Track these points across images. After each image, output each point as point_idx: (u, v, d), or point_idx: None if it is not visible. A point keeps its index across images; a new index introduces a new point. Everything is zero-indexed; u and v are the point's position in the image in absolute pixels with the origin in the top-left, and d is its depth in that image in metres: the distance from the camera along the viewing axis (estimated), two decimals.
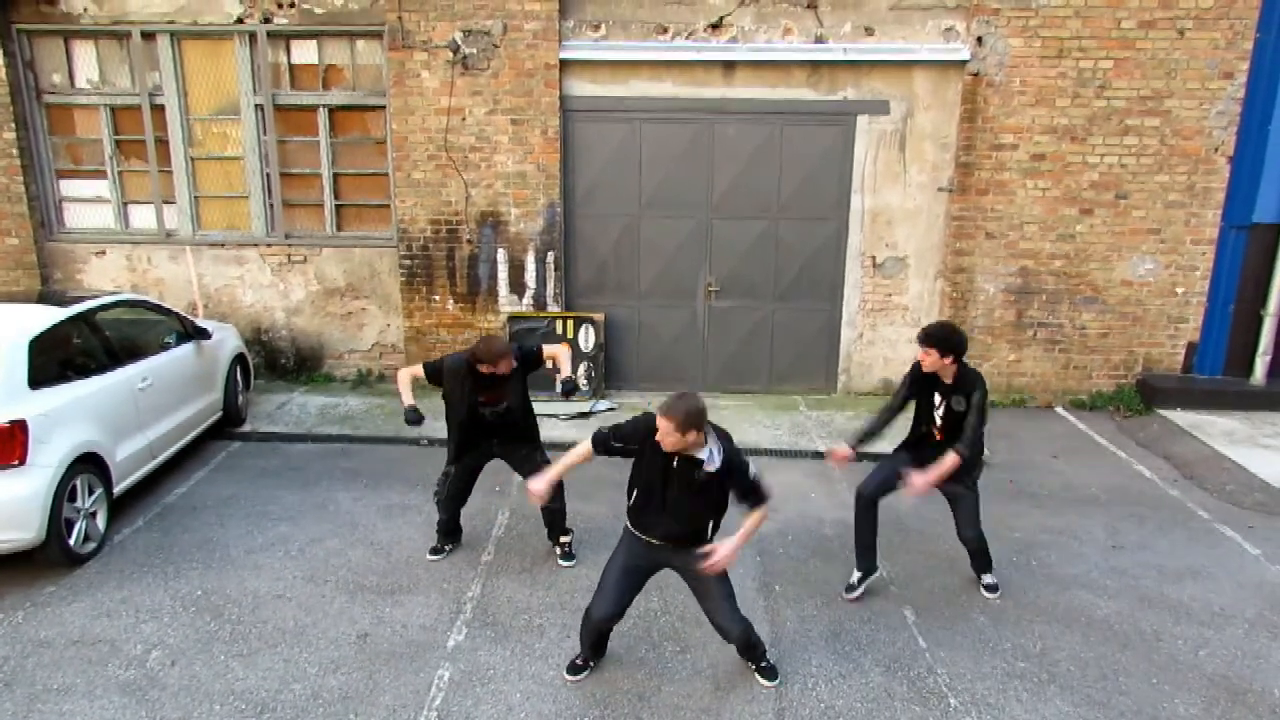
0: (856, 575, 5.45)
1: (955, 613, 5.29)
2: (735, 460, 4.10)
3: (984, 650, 4.91)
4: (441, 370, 5.49)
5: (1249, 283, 9.00)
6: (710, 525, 4.27)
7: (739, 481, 4.12)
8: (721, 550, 4.11)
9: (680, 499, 4.13)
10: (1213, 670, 4.76)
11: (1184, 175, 8.70)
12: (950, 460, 4.92)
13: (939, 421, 5.15)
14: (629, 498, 4.32)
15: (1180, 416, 8.73)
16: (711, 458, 4.03)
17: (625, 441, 4.23)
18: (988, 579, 5.51)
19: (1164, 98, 8.53)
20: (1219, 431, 8.33)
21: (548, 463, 5.39)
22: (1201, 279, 8.96)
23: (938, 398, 5.12)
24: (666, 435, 3.93)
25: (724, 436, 4.17)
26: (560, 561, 5.79)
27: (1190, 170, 8.68)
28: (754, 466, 4.17)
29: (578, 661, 4.64)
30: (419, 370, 5.61)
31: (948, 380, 5.05)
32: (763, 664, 4.60)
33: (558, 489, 5.50)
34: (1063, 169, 8.74)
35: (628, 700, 4.42)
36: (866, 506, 5.34)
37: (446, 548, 5.92)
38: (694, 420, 3.90)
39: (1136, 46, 8.42)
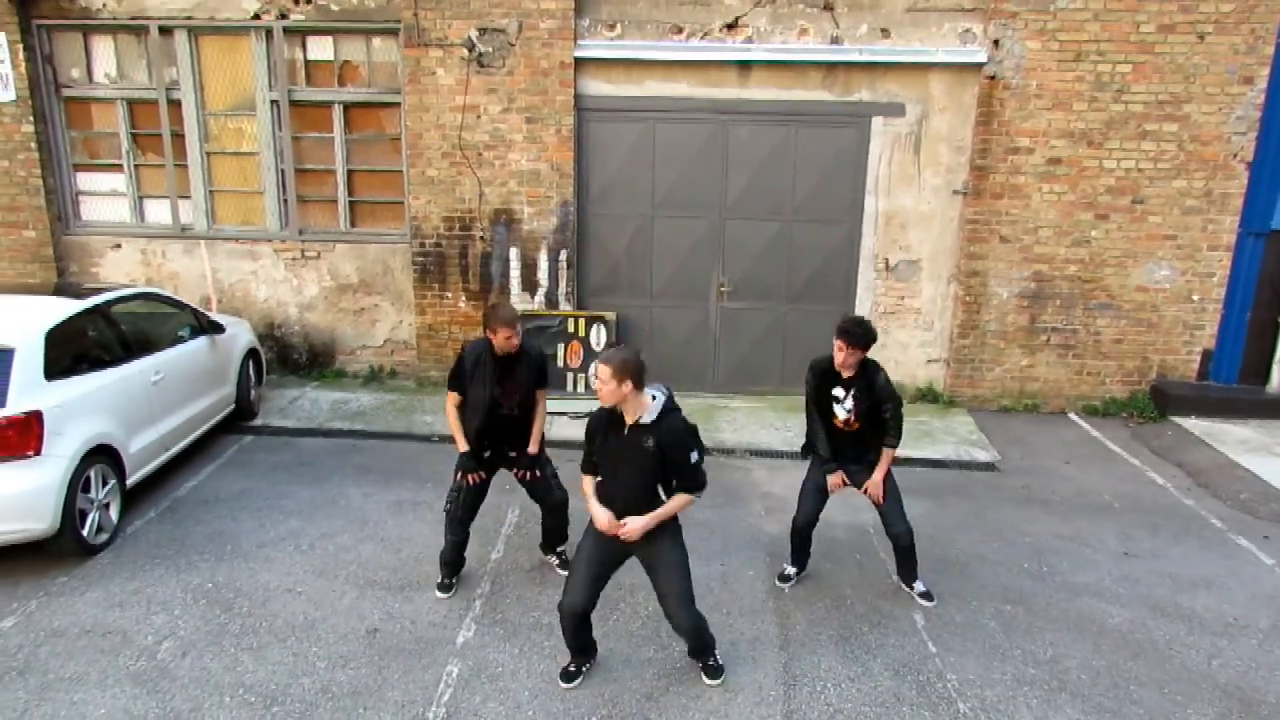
0: (793, 569, 5.67)
1: (965, 618, 5.26)
2: (678, 426, 4.14)
3: (994, 656, 4.88)
4: (463, 364, 5.15)
5: (1266, 290, 8.93)
6: (659, 494, 4.30)
7: (677, 452, 4.12)
8: (631, 524, 4.17)
9: (630, 468, 4.18)
10: (1226, 681, 4.72)
11: (1202, 181, 8.64)
12: (888, 457, 5.24)
13: (848, 414, 5.22)
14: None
15: (1194, 424, 8.66)
16: (651, 412, 4.11)
17: (591, 442, 4.34)
18: (920, 586, 5.48)
19: (1182, 102, 8.47)
20: (1234, 440, 8.27)
21: (555, 476, 5.48)
22: (1218, 286, 8.90)
23: (840, 391, 5.20)
24: (604, 385, 4.03)
25: (675, 407, 4.23)
26: (559, 570, 5.61)
27: (1208, 176, 8.62)
28: (699, 454, 4.19)
29: (570, 668, 4.59)
30: (453, 395, 5.25)
31: (847, 374, 5.15)
32: (709, 662, 4.60)
33: (559, 481, 5.51)
34: (1079, 173, 8.69)
35: (635, 700, 4.42)
36: (803, 533, 5.55)
37: (453, 580, 5.46)
38: (628, 370, 3.98)
39: (1155, 51, 8.37)
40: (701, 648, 4.54)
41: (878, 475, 5.23)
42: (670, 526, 4.32)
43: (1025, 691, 4.57)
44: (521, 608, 5.24)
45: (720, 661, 4.63)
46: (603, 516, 4.24)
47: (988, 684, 4.63)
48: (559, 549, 5.72)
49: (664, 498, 4.29)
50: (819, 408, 5.31)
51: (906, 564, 5.45)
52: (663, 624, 5.07)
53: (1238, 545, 6.38)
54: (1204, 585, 5.75)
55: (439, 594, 5.37)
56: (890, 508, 5.30)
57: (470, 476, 5.24)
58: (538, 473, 5.38)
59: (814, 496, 5.44)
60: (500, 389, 5.13)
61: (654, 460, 4.14)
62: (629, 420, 4.15)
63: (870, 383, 5.14)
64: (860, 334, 5.00)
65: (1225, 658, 4.94)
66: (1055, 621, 5.26)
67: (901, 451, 7.88)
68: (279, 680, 4.50)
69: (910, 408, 9.09)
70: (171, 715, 4.22)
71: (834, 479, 5.32)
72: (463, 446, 5.20)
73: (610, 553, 4.38)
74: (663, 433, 4.11)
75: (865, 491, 5.30)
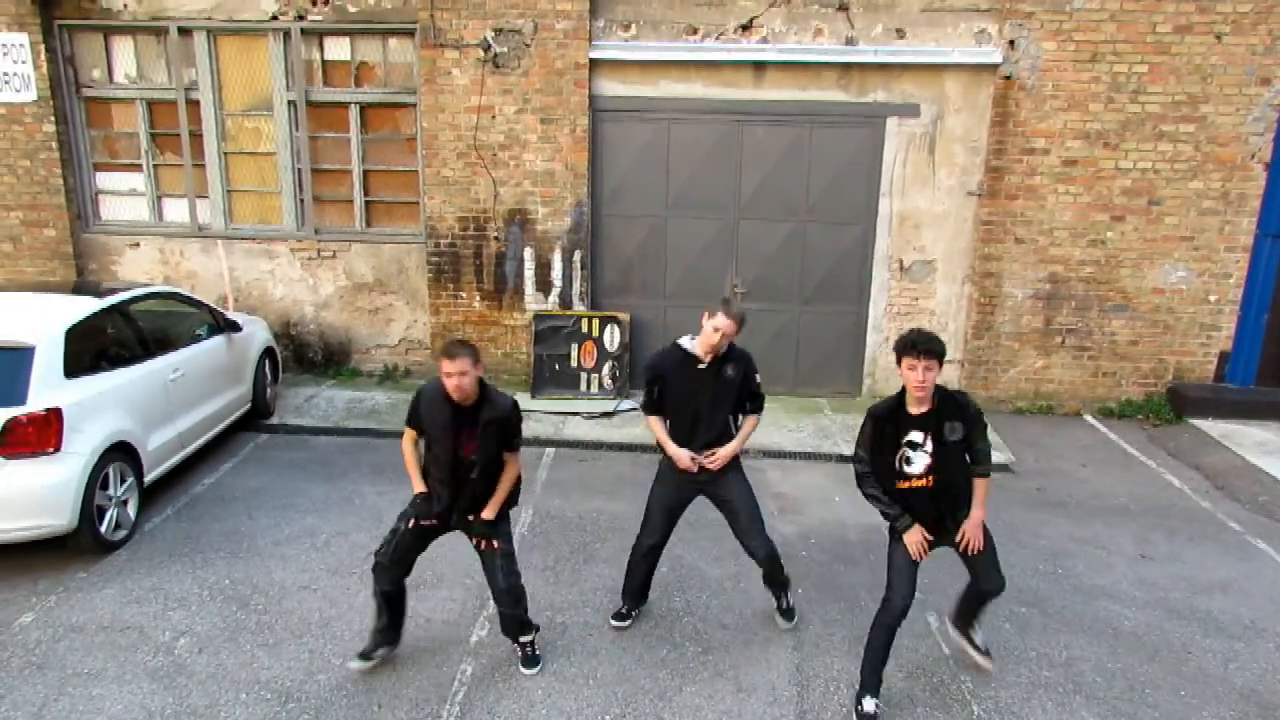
0: (870, 703, 4.36)
1: (980, 620, 5.23)
2: (745, 352, 4.71)
3: (1009, 658, 4.87)
4: (420, 402, 4.36)
5: None
6: (732, 424, 4.78)
7: (751, 372, 4.70)
8: (721, 452, 4.65)
9: (711, 401, 4.62)
10: (1242, 684, 4.70)
11: (1219, 182, 8.58)
12: (982, 489, 4.24)
13: (925, 467, 4.14)
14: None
15: (1211, 426, 8.60)
16: (731, 351, 4.62)
17: (655, 385, 4.73)
18: (980, 637, 4.70)
19: (1199, 103, 8.41)
20: (1251, 442, 8.21)
21: (509, 561, 4.54)
22: (1235, 287, 8.84)
23: (917, 434, 4.11)
24: (725, 335, 4.49)
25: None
26: (522, 668, 4.63)
27: (1225, 177, 8.56)
28: (757, 375, 4.77)
29: (622, 610, 5.08)
30: (410, 432, 4.45)
31: (923, 410, 4.08)
32: (784, 604, 5.04)
33: (512, 566, 4.55)
34: (1094, 174, 8.64)
35: (649, 700, 4.43)
36: (890, 624, 4.35)
37: (379, 651, 4.61)
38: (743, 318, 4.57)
39: (1172, 51, 8.32)
40: (779, 578, 4.94)
41: (977, 514, 4.22)
42: (736, 460, 4.78)
43: (1040, 694, 4.56)
44: (535, 607, 5.20)
45: (793, 604, 5.07)
46: (684, 456, 4.62)
47: (1002, 686, 4.62)
48: (522, 639, 4.65)
49: (734, 429, 4.77)
50: (877, 468, 4.21)
51: (978, 612, 4.60)
52: (676, 624, 5.11)
53: (1256, 548, 6.33)
54: (1221, 588, 5.72)
55: (353, 664, 4.56)
56: (989, 558, 4.32)
57: (419, 522, 4.44)
58: (493, 543, 4.46)
59: (906, 571, 4.27)
60: (463, 435, 4.27)
61: (735, 388, 4.64)
62: (709, 357, 4.54)
63: (963, 412, 4.10)
64: (935, 343, 3.99)
65: (1242, 661, 4.91)
66: (1070, 624, 5.24)
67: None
68: (294, 677, 4.53)
69: None
70: (188, 711, 4.25)
71: (913, 538, 4.19)
72: (419, 487, 4.42)
73: (682, 493, 4.84)
74: (737, 358, 4.62)
75: (962, 546, 4.28)
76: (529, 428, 8.23)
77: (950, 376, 9.40)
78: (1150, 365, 9.09)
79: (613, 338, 9.22)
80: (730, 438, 4.73)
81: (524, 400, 9.06)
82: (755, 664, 4.74)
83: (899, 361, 4.07)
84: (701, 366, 4.57)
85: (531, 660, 4.65)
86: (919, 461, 4.15)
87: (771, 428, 8.55)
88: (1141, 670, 4.80)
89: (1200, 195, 8.63)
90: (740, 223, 9.26)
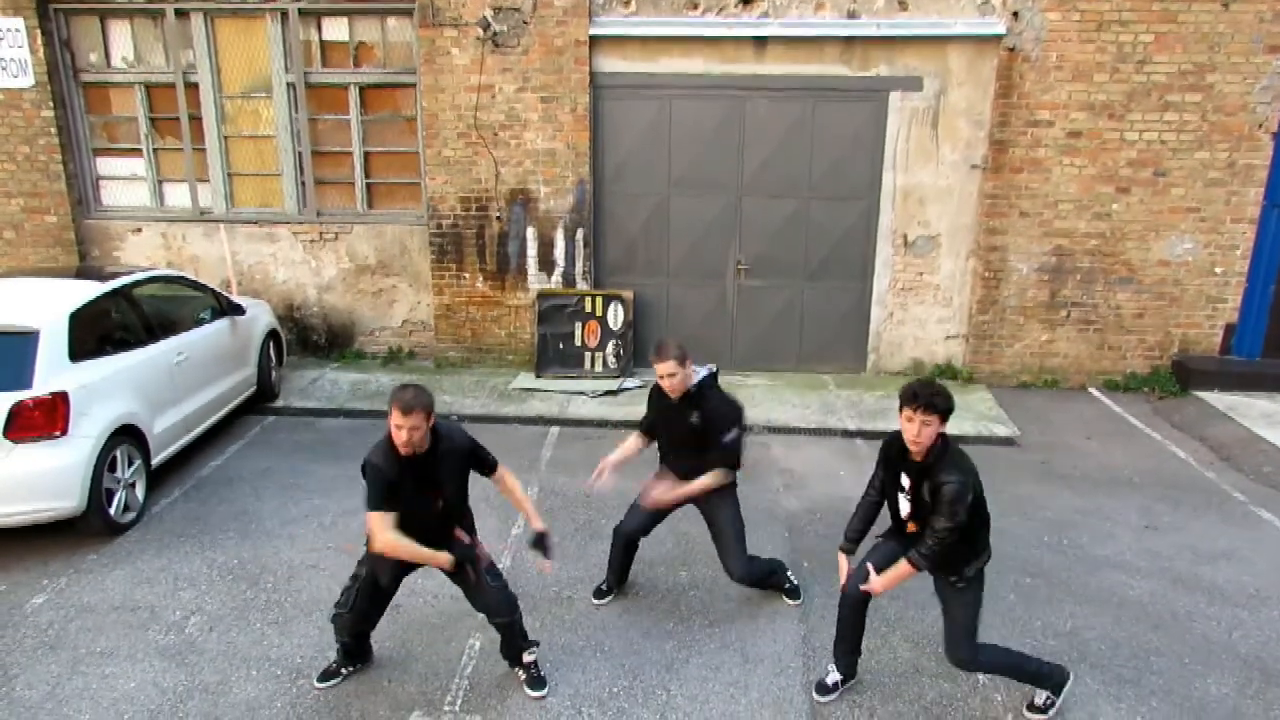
0: (833, 677, 4.36)
1: (985, 590, 5.24)
2: (719, 406, 4.62)
3: (1014, 628, 4.88)
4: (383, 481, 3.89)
5: None
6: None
7: (719, 434, 4.59)
8: (674, 491, 4.72)
9: (682, 439, 4.70)
10: (1246, 651, 4.71)
11: (1225, 152, 8.51)
12: (902, 571, 3.87)
13: (905, 514, 3.97)
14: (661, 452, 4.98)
15: (1217, 398, 8.59)
16: (695, 379, 4.62)
17: (649, 413, 4.95)
18: (1042, 696, 4.19)
19: (1206, 73, 8.34)
20: (1257, 414, 8.19)
21: (474, 566, 4.11)
22: (1241, 259, 8.79)
23: (906, 480, 3.88)
24: (674, 374, 4.52)
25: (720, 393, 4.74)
26: (529, 690, 4.29)
27: (1232, 147, 8.49)
28: (735, 432, 4.62)
29: (602, 586, 5.13)
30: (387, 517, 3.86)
31: (919, 458, 3.77)
32: (786, 585, 5.11)
33: (496, 570, 4.23)
34: (1100, 146, 8.58)
35: (656, 671, 4.46)
36: (855, 606, 4.27)
37: (345, 670, 4.40)
38: (679, 352, 4.51)
39: (1179, 20, 8.23)
40: (768, 583, 5.03)
41: (877, 582, 3.95)
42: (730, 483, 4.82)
43: None
44: (542, 581, 5.27)
45: (797, 583, 5.13)
46: (607, 465, 4.85)
47: None
48: (526, 658, 4.33)
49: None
50: (883, 490, 4.12)
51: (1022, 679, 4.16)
52: (682, 597, 5.13)
53: (1260, 518, 6.34)
54: (1225, 557, 5.73)
55: (316, 683, 4.33)
56: (952, 628, 4.04)
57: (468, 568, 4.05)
58: (474, 569, 4.09)
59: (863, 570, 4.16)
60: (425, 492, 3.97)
61: (699, 436, 4.63)
62: (675, 395, 4.64)
63: (935, 486, 3.69)
64: (937, 398, 3.63)
65: (1246, 629, 4.92)
66: (1075, 594, 5.26)
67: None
68: (304, 654, 4.57)
69: None
70: (199, 688, 4.30)
71: (841, 564, 4.24)
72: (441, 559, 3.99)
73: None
74: (709, 412, 4.60)
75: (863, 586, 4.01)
76: (534, 406, 8.31)
77: (955, 351, 9.39)
78: (1156, 338, 9.07)
79: (616, 316, 9.21)
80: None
81: (528, 379, 9.08)
82: (761, 636, 4.77)
83: (900, 410, 3.72)
84: (669, 403, 4.70)
85: (538, 681, 4.32)
86: (904, 507, 3.96)
87: (776, 403, 8.56)
88: (1146, 639, 4.81)
89: (1207, 166, 8.57)
90: (743, 199, 9.23)
